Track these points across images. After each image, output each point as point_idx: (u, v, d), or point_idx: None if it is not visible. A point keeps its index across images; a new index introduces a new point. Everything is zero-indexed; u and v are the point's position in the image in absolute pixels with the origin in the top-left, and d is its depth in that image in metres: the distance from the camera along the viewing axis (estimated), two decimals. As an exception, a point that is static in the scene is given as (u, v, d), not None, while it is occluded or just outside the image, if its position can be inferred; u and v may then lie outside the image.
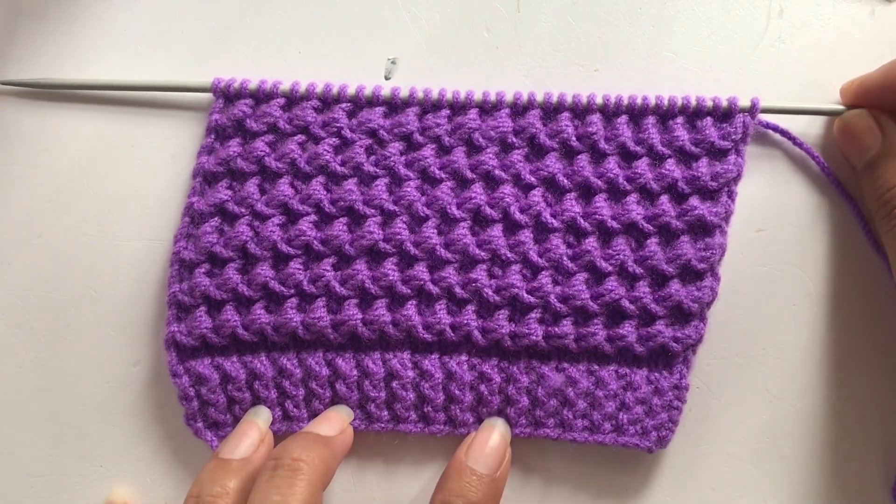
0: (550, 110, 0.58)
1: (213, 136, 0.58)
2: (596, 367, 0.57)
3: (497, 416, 0.57)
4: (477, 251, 0.57)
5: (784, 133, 0.59)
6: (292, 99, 0.58)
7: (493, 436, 0.55)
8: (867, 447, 0.58)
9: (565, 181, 0.57)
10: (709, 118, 0.57)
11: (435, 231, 0.57)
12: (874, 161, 0.56)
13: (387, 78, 0.58)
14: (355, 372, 0.57)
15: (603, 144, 0.57)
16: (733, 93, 0.58)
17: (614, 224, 0.57)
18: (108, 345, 0.59)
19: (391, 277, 0.56)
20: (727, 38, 0.61)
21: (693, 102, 0.57)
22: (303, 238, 0.56)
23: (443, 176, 0.57)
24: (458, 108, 0.58)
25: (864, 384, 0.58)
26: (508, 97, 0.58)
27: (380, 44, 0.61)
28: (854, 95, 0.58)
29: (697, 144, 0.57)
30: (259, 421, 0.55)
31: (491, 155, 0.57)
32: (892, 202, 0.55)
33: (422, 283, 0.56)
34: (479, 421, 0.57)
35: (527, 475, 0.58)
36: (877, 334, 0.58)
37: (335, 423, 0.55)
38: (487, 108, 0.58)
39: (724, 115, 0.57)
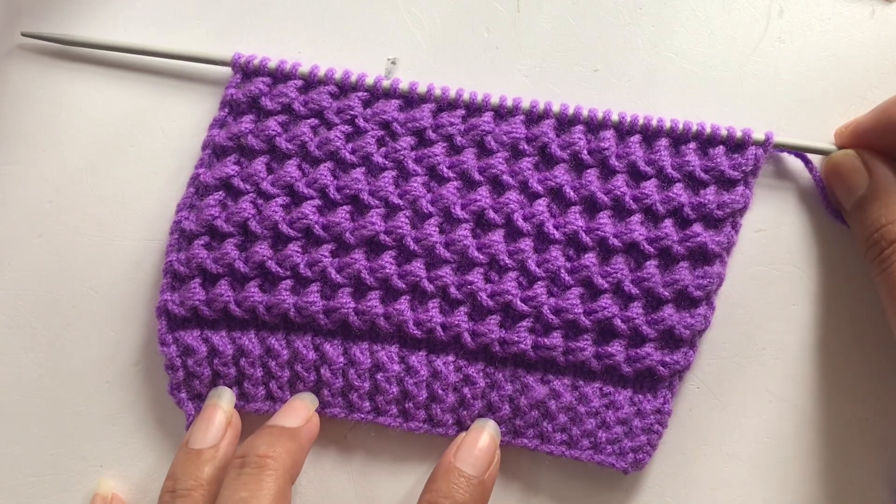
0: (565, 122, 0.58)
1: (226, 111, 0.58)
2: (581, 382, 0.57)
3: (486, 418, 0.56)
4: (476, 254, 0.57)
5: (800, 157, 0.59)
6: (310, 82, 0.58)
7: (483, 437, 0.55)
8: (867, 447, 0.58)
9: (572, 194, 0.57)
10: (721, 147, 0.57)
11: (436, 229, 0.57)
12: (862, 202, 0.56)
13: (387, 78, 0.58)
14: (342, 359, 0.57)
15: (613, 161, 0.57)
16: (732, 93, 0.58)
17: (615, 242, 0.57)
18: (108, 345, 0.59)
19: (388, 270, 0.56)
20: (727, 38, 0.60)
21: (707, 129, 0.57)
22: (304, 221, 0.56)
23: (451, 175, 0.57)
24: (473, 109, 0.58)
25: (865, 384, 0.58)
26: (525, 104, 0.58)
27: (380, 44, 0.60)
28: (848, 139, 0.58)
29: (707, 172, 0.57)
30: (223, 403, 0.55)
31: (501, 159, 0.57)
32: (880, 243, 0.54)
33: (418, 279, 0.56)
34: (458, 423, 0.57)
35: (513, 473, 0.58)
36: (877, 334, 0.58)
37: (300, 412, 0.55)
38: (503, 113, 0.58)
39: (737, 145, 0.57)
